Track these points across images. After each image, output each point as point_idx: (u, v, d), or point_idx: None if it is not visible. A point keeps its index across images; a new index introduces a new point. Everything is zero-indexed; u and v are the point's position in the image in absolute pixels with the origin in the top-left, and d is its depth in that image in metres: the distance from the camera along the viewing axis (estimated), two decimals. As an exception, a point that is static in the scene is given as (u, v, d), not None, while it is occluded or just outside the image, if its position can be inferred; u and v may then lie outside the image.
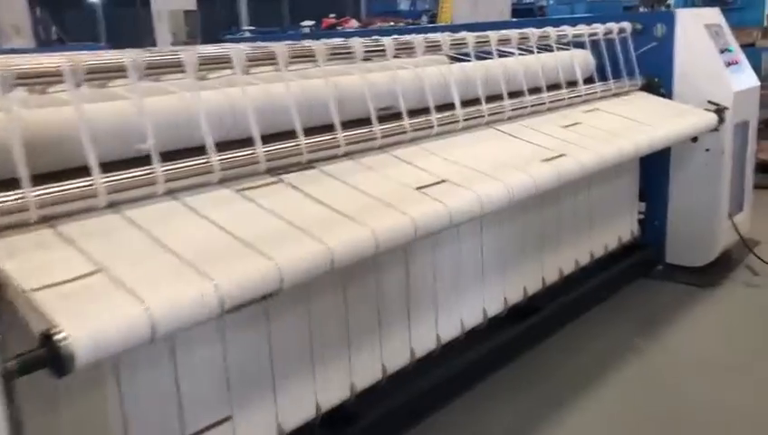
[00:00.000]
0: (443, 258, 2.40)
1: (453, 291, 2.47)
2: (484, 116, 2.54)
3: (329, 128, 2.02)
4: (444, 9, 7.40)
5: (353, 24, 8.62)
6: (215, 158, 1.70)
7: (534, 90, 2.85)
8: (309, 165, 1.93)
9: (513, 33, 2.81)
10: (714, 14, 3.56)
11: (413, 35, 2.42)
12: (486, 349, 2.65)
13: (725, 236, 3.53)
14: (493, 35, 2.71)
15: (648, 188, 3.55)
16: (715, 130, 3.28)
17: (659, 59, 3.42)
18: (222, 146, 1.77)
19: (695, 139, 3.35)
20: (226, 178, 1.72)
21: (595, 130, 2.77)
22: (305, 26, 9.39)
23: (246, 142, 1.82)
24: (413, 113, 2.32)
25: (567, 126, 2.78)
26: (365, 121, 2.14)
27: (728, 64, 3.37)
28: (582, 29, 3.10)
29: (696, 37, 3.35)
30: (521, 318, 2.87)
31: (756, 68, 7.89)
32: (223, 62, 1.81)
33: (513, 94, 2.73)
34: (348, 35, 4.11)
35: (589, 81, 3.21)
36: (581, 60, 3.20)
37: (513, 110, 2.66)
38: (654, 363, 2.75)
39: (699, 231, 3.48)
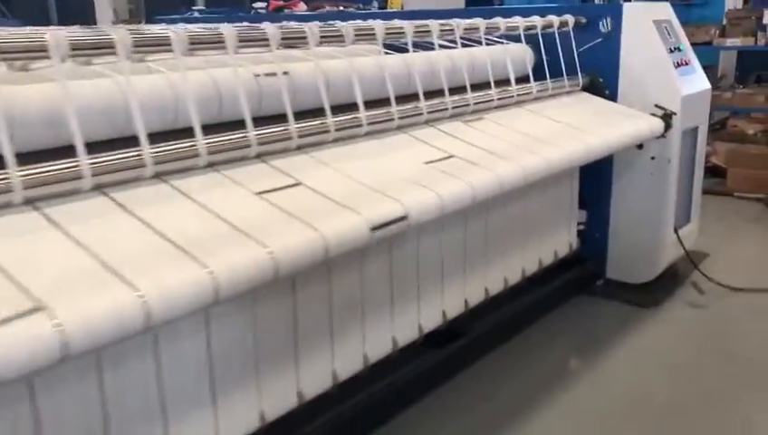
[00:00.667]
0: (341, 284, 2.06)
1: (354, 320, 2.14)
2: (394, 119, 2.21)
3: (188, 132, 1.66)
4: (395, -5, 7.04)
5: (301, 6, 8.16)
6: (85, 160, 1.39)
7: (460, 88, 2.52)
8: (155, 179, 1.57)
9: (434, 24, 2.47)
10: (664, 9, 3.27)
11: (308, 23, 2.06)
12: (398, 381, 2.34)
13: (670, 251, 3.26)
14: (408, 26, 2.36)
15: (588, 196, 3.27)
16: (662, 136, 3.00)
17: (604, 57, 3.12)
18: (101, 147, 1.48)
19: (640, 145, 3.07)
20: (102, 184, 1.44)
21: (525, 138, 2.45)
22: (259, 8, 8.89)
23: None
24: (307, 115, 1.97)
25: (494, 132, 2.46)
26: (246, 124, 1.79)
27: (678, 65, 3.08)
28: (517, 21, 2.78)
29: (644, 34, 3.06)
30: (440, 344, 2.56)
31: (713, 67, 7.71)
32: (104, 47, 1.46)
33: (433, 94, 2.40)
34: (290, 18, 3.69)
35: (526, 79, 2.91)
36: (517, 55, 2.88)
37: (430, 112, 2.33)
38: (588, 398, 2.47)
39: (642, 245, 3.21)
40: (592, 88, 3.15)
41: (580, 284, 3.29)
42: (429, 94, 2.38)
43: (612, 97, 3.12)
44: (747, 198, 4.98)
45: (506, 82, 2.74)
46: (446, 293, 2.49)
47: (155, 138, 1.56)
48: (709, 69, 7.96)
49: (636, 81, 3.07)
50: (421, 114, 2.31)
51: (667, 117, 2.98)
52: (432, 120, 2.36)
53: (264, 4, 9.28)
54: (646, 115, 2.96)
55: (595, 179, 3.21)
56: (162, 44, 1.62)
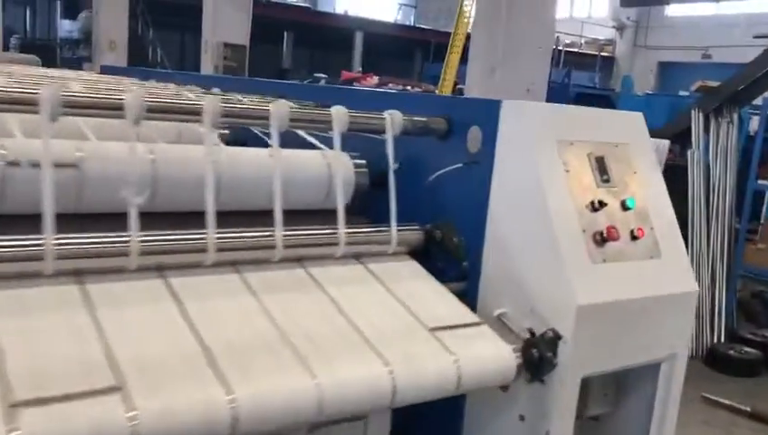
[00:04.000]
0: None
1: None
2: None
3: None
4: (446, 76, 5.74)
5: (372, 81, 7.25)
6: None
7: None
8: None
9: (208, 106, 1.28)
10: (596, 119, 1.66)
11: None
12: None
13: None
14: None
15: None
16: (538, 380, 1.42)
17: (468, 197, 1.62)
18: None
19: (505, 386, 1.51)
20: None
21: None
22: (320, 77, 8.25)
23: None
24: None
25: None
26: None
27: (602, 238, 1.49)
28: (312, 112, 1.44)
29: (535, 167, 1.51)
30: None
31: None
32: None
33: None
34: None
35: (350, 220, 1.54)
36: (312, 175, 1.53)
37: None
38: None
39: None
40: (441, 250, 1.65)
41: None
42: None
43: (472, 272, 1.60)
44: None
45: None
46: None
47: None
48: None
49: (511, 254, 1.53)
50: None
51: (542, 343, 1.40)
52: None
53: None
54: (491, 334, 1.41)
55: (434, 421, 1.67)
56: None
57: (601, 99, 8.26)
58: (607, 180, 1.56)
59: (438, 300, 1.49)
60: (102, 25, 13.86)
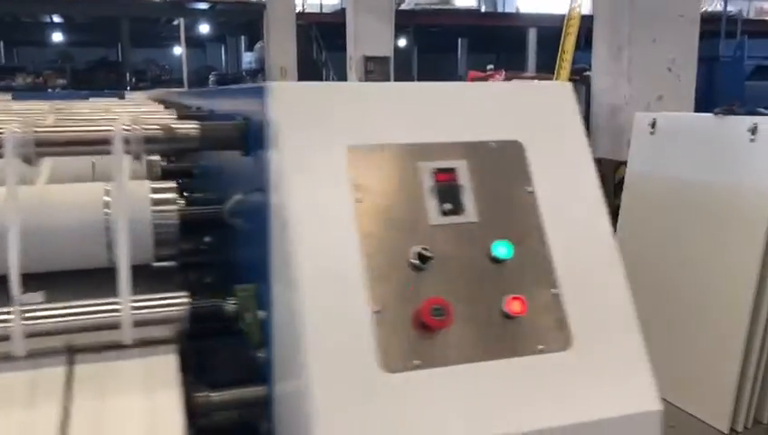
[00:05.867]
0: None
1: None
2: None
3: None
4: (562, 62, 4.83)
5: (500, 77, 6.62)
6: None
7: None
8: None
9: None
10: (461, 102, 0.92)
11: None
12: None
13: None
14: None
15: None
16: None
17: (260, 244, 1.00)
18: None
19: None
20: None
21: None
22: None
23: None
24: None
25: None
26: None
27: (422, 324, 0.79)
28: None
29: (290, 195, 0.86)
30: None
31: None
32: None
33: None
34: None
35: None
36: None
37: None
38: None
39: None
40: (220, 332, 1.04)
41: None
42: None
43: (268, 369, 0.97)
44: None
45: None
46: None
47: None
48: None
49: (288, 348, 0.89)
50: None
51: None
52: None
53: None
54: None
55: None
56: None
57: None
58: (454, 211, 0.85)
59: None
60: (272, 54, 14.51)
